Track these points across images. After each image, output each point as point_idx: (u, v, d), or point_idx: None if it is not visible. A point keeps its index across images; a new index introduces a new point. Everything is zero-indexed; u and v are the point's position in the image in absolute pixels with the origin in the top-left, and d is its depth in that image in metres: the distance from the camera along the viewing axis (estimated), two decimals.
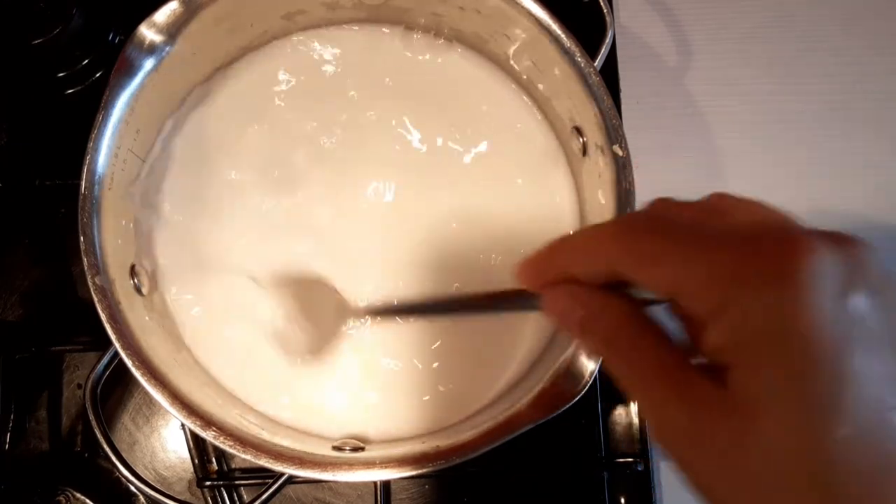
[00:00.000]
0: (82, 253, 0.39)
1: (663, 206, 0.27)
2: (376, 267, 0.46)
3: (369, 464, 0.38)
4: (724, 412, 0.22)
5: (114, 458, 0.41)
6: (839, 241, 0.22)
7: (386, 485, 0.48)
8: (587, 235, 0.27)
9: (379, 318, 0.45)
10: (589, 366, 0.38)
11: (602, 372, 0.38)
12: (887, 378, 0.21)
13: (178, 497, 0.41)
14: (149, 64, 0.41)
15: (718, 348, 0.22)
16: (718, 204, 0.26)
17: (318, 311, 0.45)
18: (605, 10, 0.46)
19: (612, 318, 0.25)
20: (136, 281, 0.42)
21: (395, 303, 0.45)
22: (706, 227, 0.24)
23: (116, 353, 0.38)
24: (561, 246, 0.27)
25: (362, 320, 0.45)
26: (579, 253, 0.26)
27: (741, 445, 0.21)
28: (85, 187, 0.39)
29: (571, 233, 0.26)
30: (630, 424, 0.51)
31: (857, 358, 0.21)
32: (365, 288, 0.46)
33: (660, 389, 0.24)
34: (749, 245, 0.22)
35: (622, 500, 0.50)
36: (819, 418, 0.20)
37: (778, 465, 0.21)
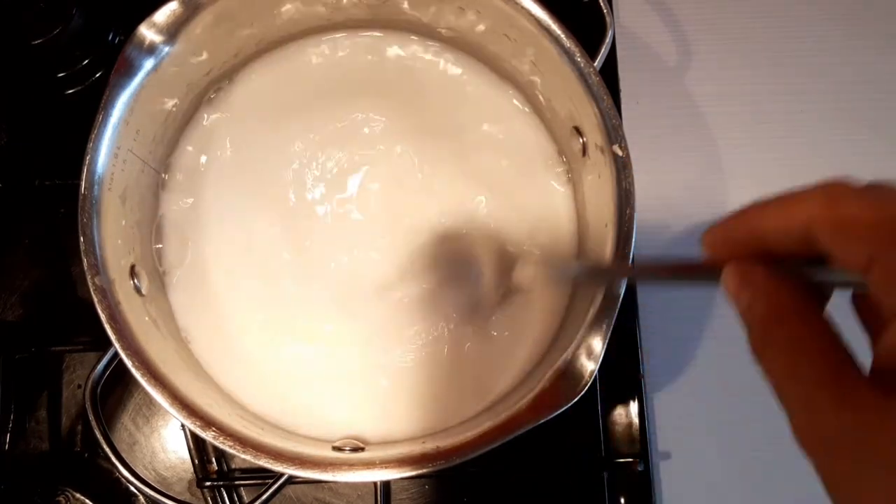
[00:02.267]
0: (82, 253, 0.39)
1: (880, 184, 0.23)
2: (378, 260, 0.46)
3: (369, 464, 0.38)
4: (886, 426, 0.20)
5: (114, 459, 0.41)
6: None
7: (386, 485, 0.48)
8: (789, 195, 0.24)
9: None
10: (589, 366, 0.38)
11: (602, 372, 0.38)
12: None
13: (178, 497, 0.41)
14: (149, 64, 0.41)
15: None
16: None
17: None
18: (604, 10, 0.46)
19: (777, 304, 0.23)
20: (135, 281, 0.42)
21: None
22: None
23: (116, 353, 0.38)
24: (756, 207, 0.25)
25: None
26: (776, 214, 0.24)
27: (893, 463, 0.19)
28: (85, 187, 0.39)
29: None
30: (630, 424, 0.51)
31: None
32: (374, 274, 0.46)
33: (816, 389, 0.21)
34: None
35: (622, 500, 0.50)
36: None
37: None
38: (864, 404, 0.20)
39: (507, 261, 0.44)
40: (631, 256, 0.40)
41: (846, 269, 0.22)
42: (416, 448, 0.39)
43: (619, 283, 0.38)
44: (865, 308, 0.23)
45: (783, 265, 0.24)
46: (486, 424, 0.38)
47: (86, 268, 0.39)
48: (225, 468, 0.49)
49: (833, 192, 0.23)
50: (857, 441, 0.20)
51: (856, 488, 0.21)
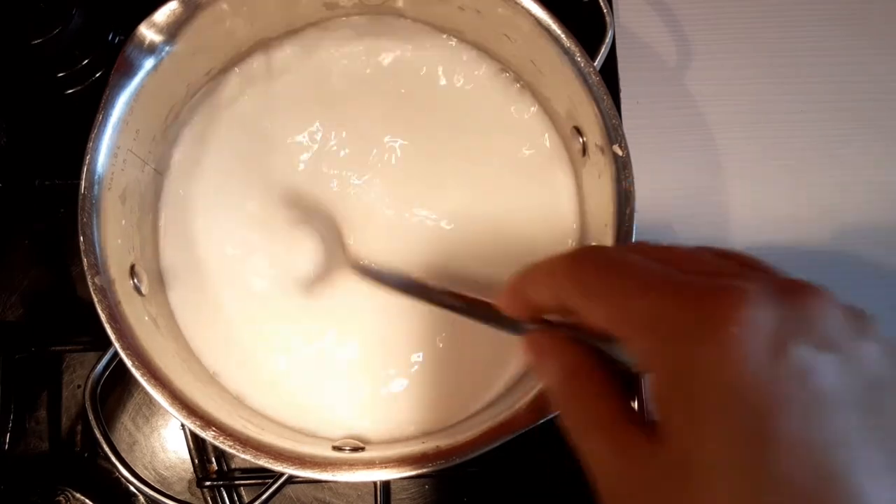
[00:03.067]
0: (82, 253, 0.39)
1: (632, 247, 0.26)
2: (379, 261, 0.46)
3: (369, 464, 0.38)
4: (656, 470, 0.21)
5: (114, 459, 0.41)
6: (789, 293, 0.20)
7: (386, 485, 0.48)
8: (544, 264, 0.26)
9: (367, 280, 0.44)
10: None
11: None
12: (829, 442, 0.19)
13: (178, 497, 0.41)
14: (149, 64, 0.41)
15: (654, 398, 0.22)
16: (696, 254, 0.24)
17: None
18: (604, 10, 0.46)
19: (561, 365, 0.25)
20: (135, 281, 0.42)
21: (388, 273, 0.44)
22: (662, 272, 0.22)
23: (116, 353, 0.38)
24: (526, 274, 0.27)
25: (351, 277, 0.45)
26: (537, 282, 0.26)
27: (663, 502, 0.20)
28: (85, 187, 0.39)
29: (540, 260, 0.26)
30: None
31: (792, 420, 0.19)
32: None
33: (597, 442, 0.23)
34: (690, 293, 0.21)
35: None
36: (747, 485, 0.18)
37: None
38: (635, 449, 0.22)
39: (508, 261, 0.43)
40: None
41: (594, 332, 0.23)
42: (416, 448, 0.39)
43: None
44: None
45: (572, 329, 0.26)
46: (486, 424, 0.38)
47: (86, 268, 0.39)
48: (225, 468, 0.49)
49: (579, 259, 0.24)
50: (634, 484, 0.21)
51: None
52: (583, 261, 0.24)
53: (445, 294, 0.36)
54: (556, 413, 0.25)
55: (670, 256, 0.23)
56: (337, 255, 0.46)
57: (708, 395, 0.20)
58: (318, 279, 0.46)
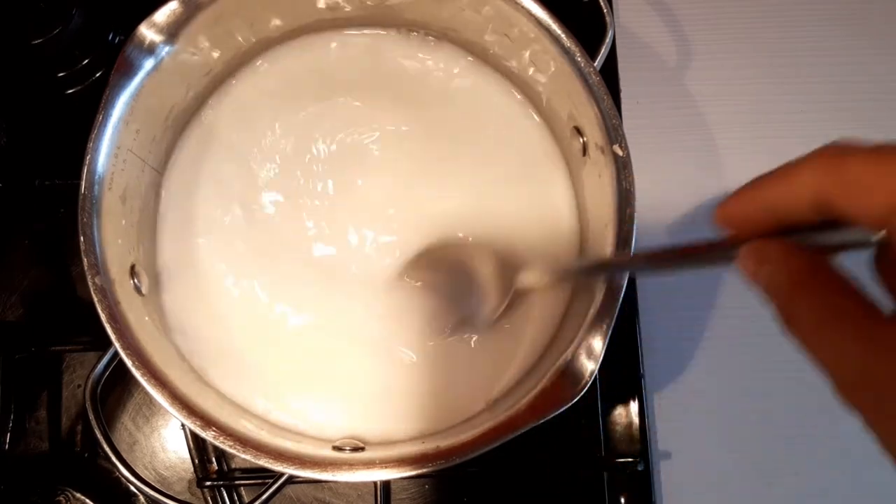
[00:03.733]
0: (82, 253, 0.39)
1: (881, 144, 0.23)
2: (379, 261, 0.46)
3: (369, 464, 0.38)
4: None
5: (114, 458, 0.41)
6: None
7: (386, 485, 0.48)
8: (793, 164, 0.24)
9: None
10: (589, 366, 0.38)
11: (602, 372, 0.38)
12: None
13: (178, 497, 0.41)
14: (149, 64, 0.41)
15: None
16: None
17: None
18: (605, 10, 0.46)
19: (796, 271, 0.24)
20: (135, 281, 0.42)
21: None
22: None
23: (116, 353, 0.38)
24: (763, 180, 0.25)
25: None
26: (783, 185, 0.24)
27: None
28: (85, 187, 0.39)
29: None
30: (630, 424, 0.50)
31: None
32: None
33: (840, 333, 0.22)
34: None
35: (622, 500, 0.50)
36: None
37: None
38: (887, 339, 0.21)
39: (509, 261, 0.43)
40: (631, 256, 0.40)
41: (863, 228, 0.22)
42: (416, 448, 0.39)
43: (621, 278, 0.38)
44: (886, 268, 0.23)
45: (796, 235, 0.25)
46: (486, 424, 0.38)
47: (86, 268, 0.39)
48: (225, 468, 0.49)
49: (836, 153, 0.23)
50: (882, 376, 0.20)
51: (892, 434, 0.21)
52: (844, 152, 0.23)
53: (643, 257, 0.35)
54: (782, 318, 0.24)
55: None
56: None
57: None
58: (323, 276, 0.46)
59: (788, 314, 0.24)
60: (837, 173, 0.22)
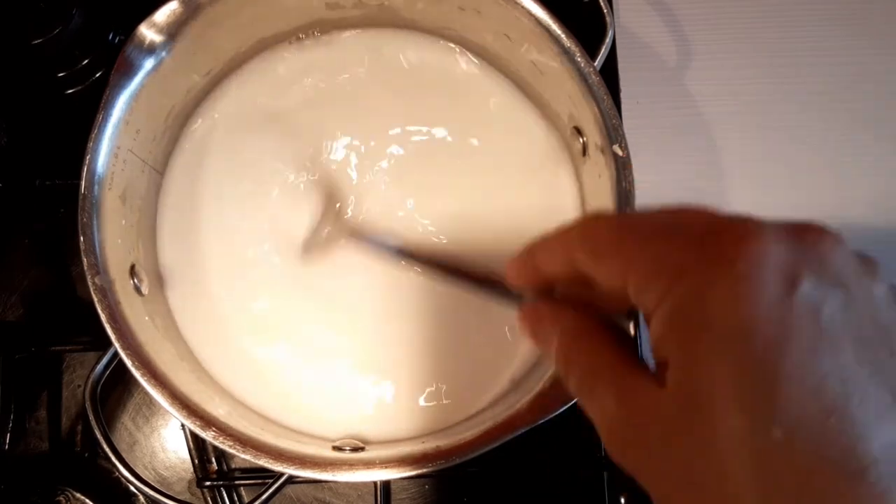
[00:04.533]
0: (82, 253, 0.39)
1: (632, 212, 0.26)
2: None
3: (369, 464, 0.38)
4: (664, 413, 0.21)
5: (114, 458, 0.41)
6: (798, 231, 0.20)
7: (386, 485, 0.48)
8: (555, 231, 0.26)
9: (366, 246, 0.44)
10: None
11: None
12: (837, 377, 0.19)
13: (178, 497, 0.41)
14: (149, 64, 0.41)
15: (658, 342, 0.22)
16: (691, 208, 0.24)
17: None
18: (605, 10, 0.46)
19: (563, 328, 0.25)
20: (135, 281, 0.42)
21: (386, 240, 0.43)
22: (671, 221, 0.23)
23: (116, 353, 0.38)
24: (536, 245, 0.27)
25: (349, 244, 0.45)
26: (548, 248, 0.26)
27: (671, 445, 0.20)
28: (85, 187, 0.39)
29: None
30: None
31: (802, 354, 0.19)
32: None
33: (604, 390, 0.23)
34: (698, 235, 0.21)
35: (622, 500, 0.50)
36: (754, 420, 0.19)
37: (714, 464, 0.19)
38: (642, 394, 0.22)
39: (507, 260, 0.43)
40: None
41: (605, 293, 0.24)
42: (416, 448, 0.39)
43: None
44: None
45: (576, 291, 0.26)
46: (486, 424, 0.38)
47: (86, 268, 0.39)
48: (225, 468, 0.49)
49: (588, 222, 0.25)
50: (641, 430, 0.22)
51: (648, 481, 0.22)
52: (593, 223, 0.25)
53: (445, 261, 0.36)
54: (560, 374, 0.25)
55: (679, 211, 0.24)
56: (337, 223, 0.46)
57: (718, 331, 0.20)
58: (318, 252, 0.45)
59: (563, 372, 0.25)
60: (584, 242, 0.24)
